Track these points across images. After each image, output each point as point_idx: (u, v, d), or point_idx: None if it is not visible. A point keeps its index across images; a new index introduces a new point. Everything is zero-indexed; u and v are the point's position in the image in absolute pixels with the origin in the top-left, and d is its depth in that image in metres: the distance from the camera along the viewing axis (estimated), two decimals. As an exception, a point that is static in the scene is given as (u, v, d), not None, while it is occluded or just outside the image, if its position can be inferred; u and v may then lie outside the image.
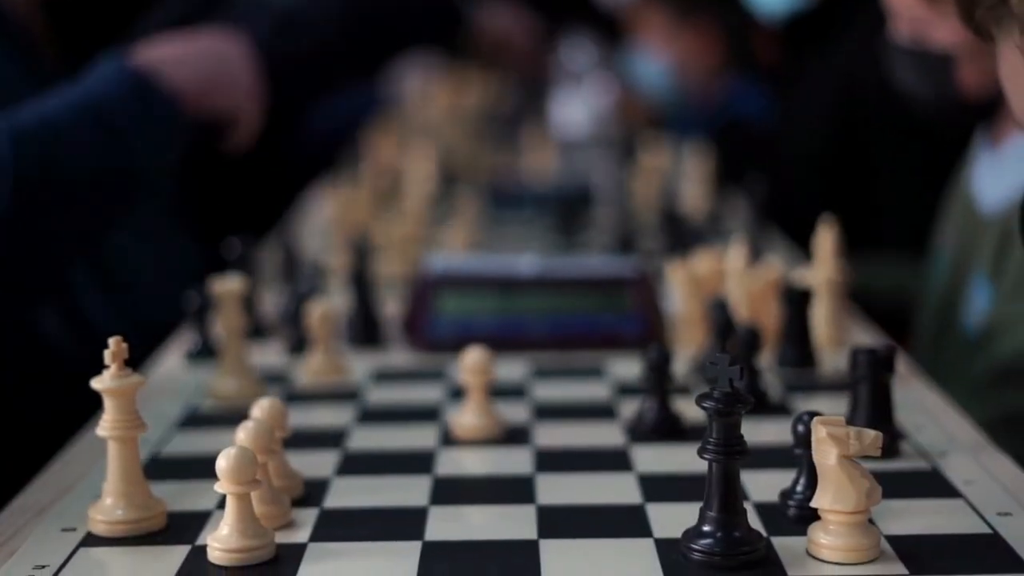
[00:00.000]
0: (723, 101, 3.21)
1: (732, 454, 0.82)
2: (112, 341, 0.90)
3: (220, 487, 0.84)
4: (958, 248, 1.81)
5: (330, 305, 1.32)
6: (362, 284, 1.43)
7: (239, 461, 0.83)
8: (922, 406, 1.17)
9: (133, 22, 1.62)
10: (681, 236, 1.84)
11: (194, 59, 1.52)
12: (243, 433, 0.89)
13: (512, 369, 1.30)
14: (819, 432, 0.83)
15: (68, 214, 1.36)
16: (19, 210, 1.30)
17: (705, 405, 0.82)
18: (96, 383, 0.89)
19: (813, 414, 0.88)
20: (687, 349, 1.34)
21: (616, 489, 0.98)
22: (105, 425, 0.90)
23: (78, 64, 1.53)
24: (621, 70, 3.77)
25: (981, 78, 1.67)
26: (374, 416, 1.18)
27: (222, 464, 0.83)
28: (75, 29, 1.54)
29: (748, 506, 0.91)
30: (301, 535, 0.90)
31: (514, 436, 1.11)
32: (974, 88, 1.68)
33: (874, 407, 1.04)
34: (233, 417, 1.00)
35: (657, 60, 3.31)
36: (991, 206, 1.73)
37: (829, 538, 0.83)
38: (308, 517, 0.93)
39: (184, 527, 0.91)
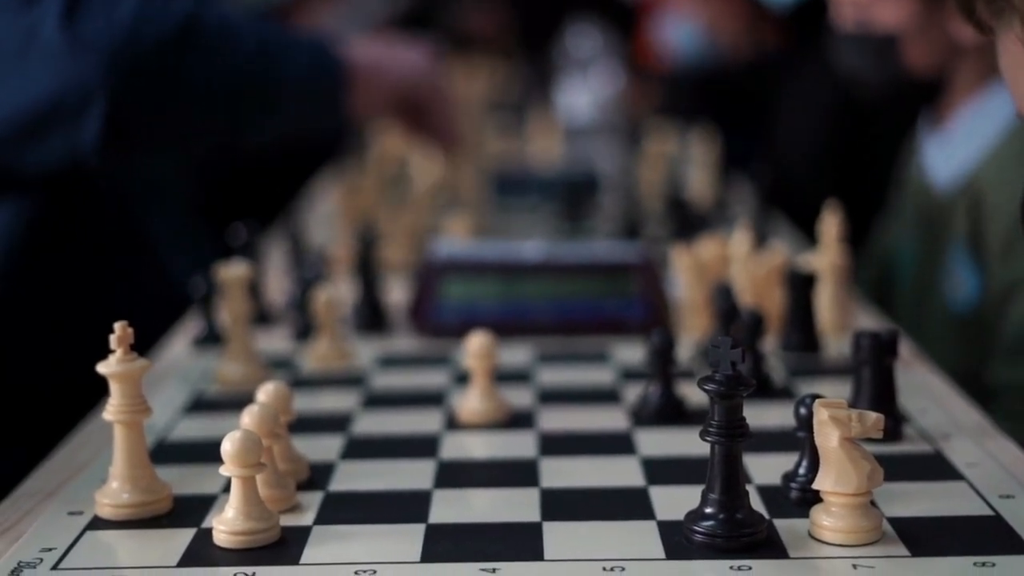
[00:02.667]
0: (755, 53, 3.23)
1: (734, 436, 0.82)
2: (118, 326, 0.90)
3: (225, 470, 0.84)
4: (919, 233, 1.84)
5: (335, 291, 1.33)
6: (367, 270, 1.44)
7: (244, 444, 0.84)
8: (925, 390, 1.18)
9: None
10: (687, 222, 1.85)
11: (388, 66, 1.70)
12: (248, 417, 0.90)
13: (516, 354, 1.30)
14: (821, 414, 0.83)
15: (199, 88, 1.47)
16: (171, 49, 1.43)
17: (707, 388, 0.82)
18: (102, 367, 0.90)
19: (815, 397, 0.88)
20: (691, 334, 1.34)
21: (619, 472, 0.98)
22: (111, 409, 0.90)
23: None
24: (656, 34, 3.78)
25: (927, 57, 1.71)
26: (379, 401, 1.19)
27: (227, 447, 0.84)
28: None
29: (751, 489, 0.92)
30: (306, 518, 0.90)
31: (518, 420, 1.11)
32: (920, 67, 1.71)
33: (877, 391, 1.04)
34: (239, 402, 1.01)
35: (689, 23, 3.32)
36: (946, 183, 1.75)
37: (831, 520, 0.84)
38: (313, 500, 0.93)
39: (190, 510, 0.92)
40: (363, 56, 1.65)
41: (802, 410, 0.91)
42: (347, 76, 1.60)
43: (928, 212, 1.81)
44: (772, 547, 0.83)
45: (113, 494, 0.91)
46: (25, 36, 1.38)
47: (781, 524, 0.87)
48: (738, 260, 1.39)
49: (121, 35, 1.39)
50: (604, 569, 0.81)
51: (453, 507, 0.92)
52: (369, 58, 1.66)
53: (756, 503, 0.89)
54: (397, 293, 1.53)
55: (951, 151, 1.76)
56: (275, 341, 1.38)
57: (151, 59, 1.42)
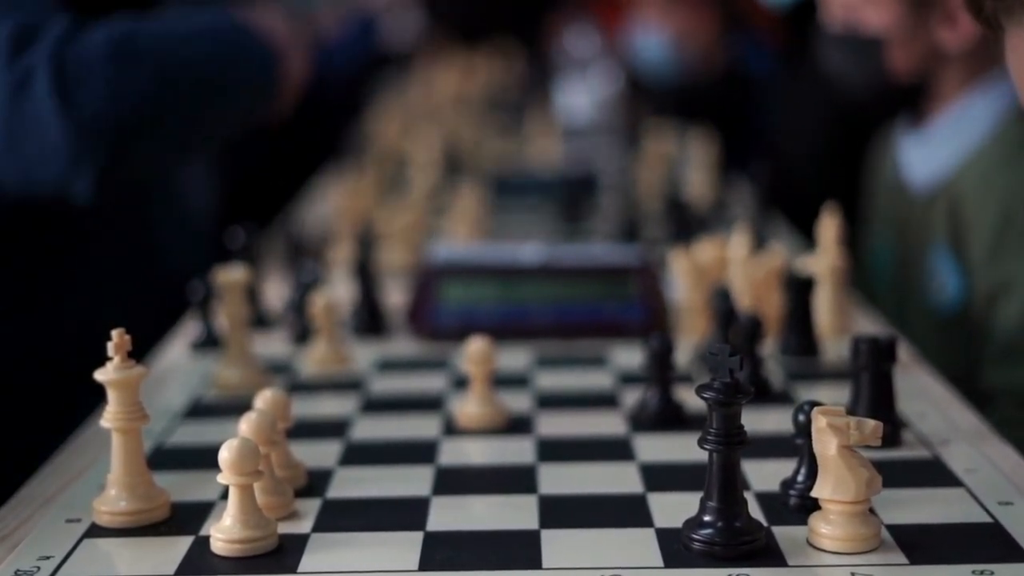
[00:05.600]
0: (727, 62, 3.24)
1: (732, 444, 0.82)
2: (115, 333, 0.90)
3: (223, 478, 0.84)
4: (897, 235, 1.84)
5: (333, 295, 1.32)
6: (366, 273, 1.43)
7: (241, 452, 0.83)
8: (924, 394, 1.17)
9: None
10: (686, 224, 1.84)
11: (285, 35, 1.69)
12: (246, 424, 0.89)
13: (515, 358, 1.30)
14: (819, 422, 0.83)
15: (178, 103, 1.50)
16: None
17: (705, 396, 0.82)
18: (99, 375, 0.90)
19: (814, 403, 0.88)
20: (690, 338, 1.34)
21: (618, 478, 0.98)
22: (108, 416, 0.90)
23: None
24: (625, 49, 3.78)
25: (910, 61, 1.74)
26: (377, 406, 1.18)
27: (225, 455, 0.83)
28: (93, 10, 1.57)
29: (749, 495, 0.92)
30: (304, 525, 0.90)
31: (517, 425, 1.11)
32: (903, 71, 1.74)
33: (876, 396, 1.04)
34: (237, 407, 1.01)
35: (656, 34, 3.32)
36: (924, 184, 1.77)
37: (829, 528, 0.83)
38: (311, 507, 0.93)
39: (188, 518, 0.92)
40: (274, 34, 1.65)
41: (800, 417, 0.91)
42: (278, 62, 1.63)
43: (906, 213, 1.82)
44: (770, 555, 0.83)
45: (111, 502, 0.91)
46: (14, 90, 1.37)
47: (780, 532, 0.87)
48: (736, 263, 1.39)
49: (103, 105, 1.39)
50: (602, 577, 0.81)
51: (451, 514, 0.92)
52: (277, 35, 1.67)
53: (754, 510, 0.89)
54: (396, 296, 1.53)
55: (930, 153, 1.78)
56: (273, 345, 1.38)
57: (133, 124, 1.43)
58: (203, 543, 0.87)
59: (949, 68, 1.74)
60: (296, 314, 1.40)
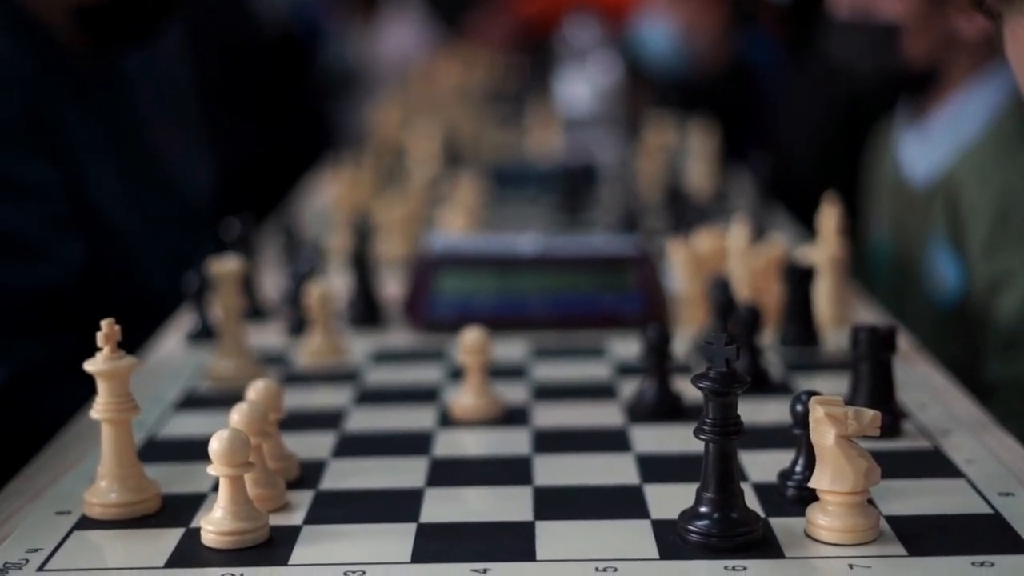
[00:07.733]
0: (733, 54, 3.23)
1: (728, 434, 0.81)
2: (104, 323, 0.89)
3: (213, 469, 0.83)
4: (897, 227, 1.83)
5: (330, 285, 1.31)
6: (362, 264, 1.42)
7: (231, 443, 0.82)
8: (925, 384, 1.16)
9: (160, 27, 1.64)
10: (686, 214, 1.83)
11: None
12: (237, 415, 0.88)
13: (512, 349, 1.29)
14: (817, 412, 0.82)
15: None
16: None
17: (701, 385, 0.81)
18: (89, 365, 0.89)
19: (812, 393, 0.87)
20: (689, 328, 1.33)
21: (614, 470, 0.97)
22: (98, 407, 0.89)
23: (108, 69, 1.61)
24: (627, 44, 3.76)
25: (925, 50, 1.72)
26: (372, 397, 1.17)
27: (215, 446, 0.83)
28: (106, 36, 1.56)
29: (747, 486, 0.91)
30: (296, 517, 0.89)
31: (513, 416, 1.10)
32: (917, 59, 1.73)
33: (875, 386, 1.03)
34: (231, 399, 0.99)
35: (663, 25, 3.31)
36: (923, 178, 1.76)
37: (827, 519, 0.82)
38: (303, 499, 0.92)
39: (179, 510, 0.91)
40: None
41: (798, 407, 0.90)
42: None
43: (905, 207, 1.81)
44: (767, 547, 0.82)
45: (101, 493, 0.90)
46: None
47: (777, 523, 0.86)
48: (735, 253, 1.38)
49: None
50: (597, 569, 0.80)
51: (445, 506, 0.91)
52: None
53: (752, 501, 0.88)
54: (393, 287, 1.52)
55: (929, 147, 1.77)
56: (269, 336, 1.37)
57: None
58: (194, 535, 0.86)
59: (960, 56, 1.73)
60: (292, 305, 1.39)
